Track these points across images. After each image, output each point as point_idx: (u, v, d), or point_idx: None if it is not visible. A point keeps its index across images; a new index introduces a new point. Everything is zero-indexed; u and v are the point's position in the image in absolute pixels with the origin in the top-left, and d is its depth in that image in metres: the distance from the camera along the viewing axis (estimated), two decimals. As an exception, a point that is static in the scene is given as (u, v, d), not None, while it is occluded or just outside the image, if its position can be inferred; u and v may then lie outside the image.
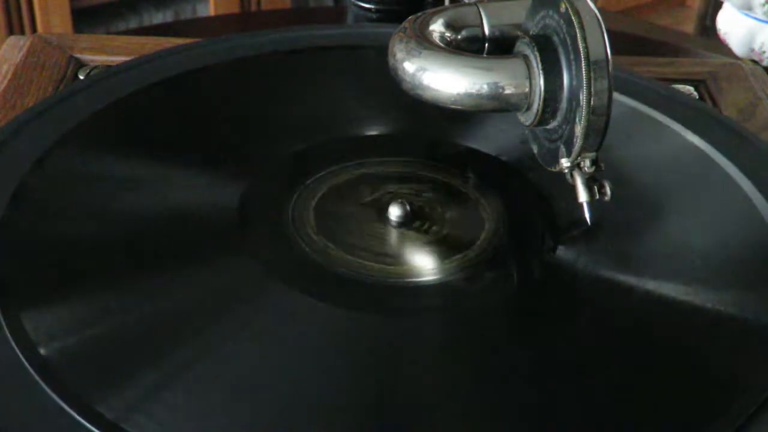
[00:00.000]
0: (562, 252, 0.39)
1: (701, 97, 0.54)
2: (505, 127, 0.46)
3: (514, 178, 0.44)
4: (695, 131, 0.46)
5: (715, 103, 0.53)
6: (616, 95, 0.47)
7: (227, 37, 0.53)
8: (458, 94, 0.38)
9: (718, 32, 0.75)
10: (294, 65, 0.51)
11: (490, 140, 0.47)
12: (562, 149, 0.38)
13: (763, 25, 0.70)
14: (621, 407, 0.33)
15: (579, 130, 0.36)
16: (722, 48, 0.75)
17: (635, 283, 0.38)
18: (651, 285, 0.37)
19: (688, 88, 0.54)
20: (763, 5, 0.69)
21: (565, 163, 0.38)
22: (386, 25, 0.50)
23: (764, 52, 0.71)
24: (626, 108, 0.48)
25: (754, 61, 0.70)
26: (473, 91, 0.38)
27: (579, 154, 0.37)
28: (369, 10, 0.67)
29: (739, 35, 0.72)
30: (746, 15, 0.71)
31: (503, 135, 0.46)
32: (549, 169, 0.40)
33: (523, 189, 0.44)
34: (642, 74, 0.52)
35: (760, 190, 0.42)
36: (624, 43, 0.72)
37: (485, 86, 0.38)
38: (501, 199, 0.43)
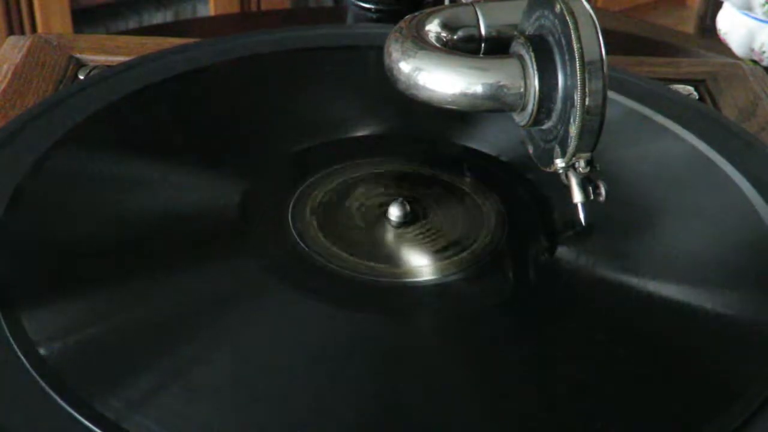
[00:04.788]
0: (562, 252, 0.39)
1: (701, 97, 0.54)
2: (505, 127, 0.46)
3: (514, 178, 0.44)
4: (695, 131, 0.46)
5: (715, 103, 0.53)
6: (615, 95, 0.47)
7: (227, 37, 0.53)
8: (453, 94, 0.38)
9: (718, 32, 0.75)
10: (294, 65, 0.51)
11: (489, 140, 0.47)
12: (557, 150, 0.38)
13: (763, 25, 0.70)
14: (620, 407, 0.33)
15: (573, 130, 0.36)
16: (722, 48, 0.75)
17: (635, 283, 0.38)
18: (651, 285, 0.37)
19: (688, 88, 0.54)
20: (763, 5, 0.69)
21: (560, 163, 0.38)
22: (385, 26, 0.50)
23: (764, 52, 0.71)
24: (626, 108, 0.48)
25: (754, 61, 0.71)
26: (468, 91, 0.38)
27: (574, 155, 0.37)
28: (369, 10, 0.67)
29: (739, 35, 0.72)
30: (746, 15, 0.71)
31: (502, 135, 0.46)
32: (544, 169, 0.40)
33: (522, 189, 0.44)
34: (642, 74, 0.52)
35: (760, 191, 0.42)
36: (624, 43, 0.72)
37: (480, 86, 0.38)
38: (500, 199, 0.43)
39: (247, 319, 0.35)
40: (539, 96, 0.38)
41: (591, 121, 0.36)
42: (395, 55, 0.39)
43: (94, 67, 0.53)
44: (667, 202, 0.43)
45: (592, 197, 0.38)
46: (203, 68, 0.50)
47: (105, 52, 0.54)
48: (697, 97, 0.53)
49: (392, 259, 0.39)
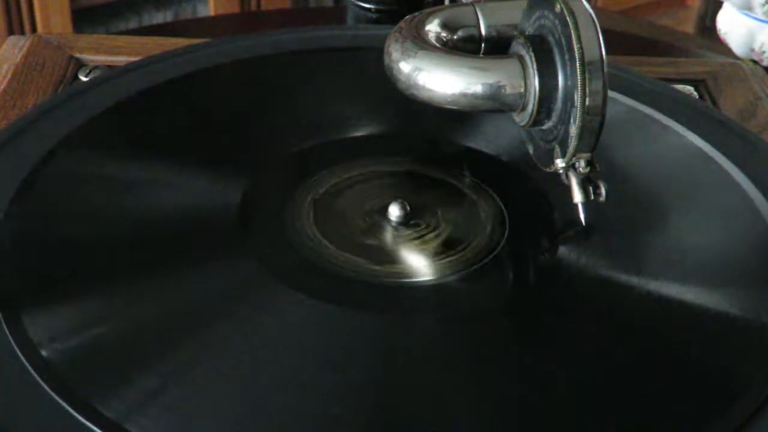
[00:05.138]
0: (562, 252, 0.39)
1: (701, 97, 0.54)
2: (505, 127, 0.46)
3: (514, 178, 0.44)
4: (695, 131, 0.46)
5: (715, 103, 0.53)
6: (616, 95, 0.47)
7: (228, 38, 0.53)
8: (453, 94, 0.38)
9: (718, 32, 0.75)
10: (294, 65, 0.51)
11: (489, 140, 0.47)
12: (557, 150, 0.38)
13: (763, 25, 0.70)
14: (620, 407, 0.33)
15: (574, 130, 0.36)
16: (722, 48, 0.75)
17: (636, 283, 0.38)
18: (651, 285, 0.37)
19: (688, 88, 0.54)
20: (763, 5, 0.69)
21: (560, 163, 0.38)
22: (386, 27, 0.50)
23: (764, 52, 0.71)
24: (626, 108, 0.48)
25: (754, 61, 0.71)
26: (468, 91, 0.38)
27: (574, 155, 0.37)
28: (369, 10, 0.67)
29: (739, 35, 0.72)
30: (746, 15, 0.71)
31: (503, 135, 0.46)
32: (544, 169, 0.40)
33: (522, 189, 0.44)
34: (642, 74, 0.52)
35: (760, 190, 0.42)
36: (624, 43, 0.72)
37: (480, 86, 0.38)
38: (500, 199, 0.43)
39: (246, 319, 0.35)
40: (539, 96, 0.38)
41: (591, 121, 0.36)
42: (395, 55, 0.39)
43: (95, 67, 0.53)
44: (668, 201, 0.43)
45: (592, 197, 0.38)
46: (204, 69, 0.50)
47: (105, 52, 0.54)
48: (697, 97, 0.53)
49: (392, 259, 0.39)
